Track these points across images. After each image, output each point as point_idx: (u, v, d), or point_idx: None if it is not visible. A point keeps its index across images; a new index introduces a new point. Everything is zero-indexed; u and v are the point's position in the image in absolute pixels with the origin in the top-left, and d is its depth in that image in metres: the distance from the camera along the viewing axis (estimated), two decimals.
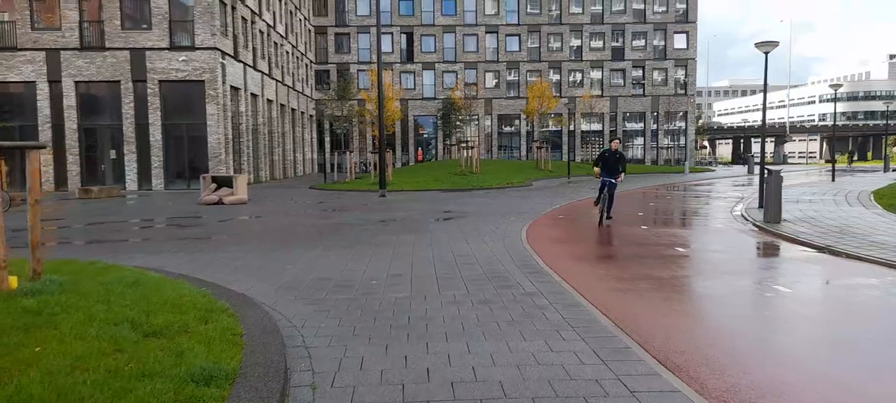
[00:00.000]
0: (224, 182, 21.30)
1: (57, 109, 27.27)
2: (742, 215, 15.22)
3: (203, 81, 27.66)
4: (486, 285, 7.24)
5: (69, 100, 27.20)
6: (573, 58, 56.15)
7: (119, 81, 27.38)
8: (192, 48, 27.59)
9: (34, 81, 27.01)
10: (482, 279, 7.62)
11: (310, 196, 24.37)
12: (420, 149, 55.21)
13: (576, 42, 56.29)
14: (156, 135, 27.68)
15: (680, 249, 10.36)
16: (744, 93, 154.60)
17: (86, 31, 27.35)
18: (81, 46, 27.15)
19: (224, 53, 28.66)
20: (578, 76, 56.17)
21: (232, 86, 30.07)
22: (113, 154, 28.01)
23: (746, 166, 48.89)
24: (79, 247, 11.08)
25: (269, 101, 37.26)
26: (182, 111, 28.64)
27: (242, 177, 21.14)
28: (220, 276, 7.90)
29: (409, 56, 55.39)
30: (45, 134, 27.16)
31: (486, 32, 55.51)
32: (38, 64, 26.90)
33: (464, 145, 34.43)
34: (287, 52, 42.40)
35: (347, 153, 31.76)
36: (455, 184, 27.56)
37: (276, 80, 38.64)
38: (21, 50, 26.82)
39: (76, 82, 27.24)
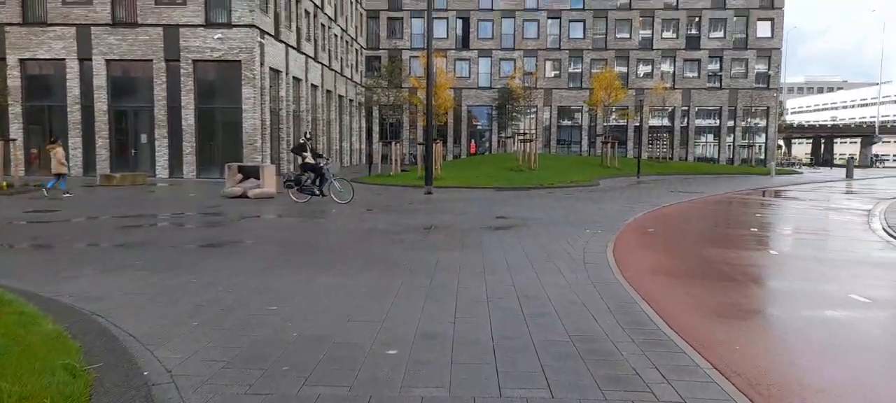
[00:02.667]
0: (252, 173, 18.83)
1: (87, 89, 25.56)
2: None
3: (240, 62, 25.42)
4: (581, 374, 4.17)
5: (99, 79, 25.44)
6: (642, 47, 51.81)
7: (151, 60, 25.44)
8: (229, 25, 25.37)
9: (64, 59, 25.36)
10: (571, 356, 4.54)
11: None
12: (473, 141, 52.19)
13: (646, 31, 51.89)
14: (189, 119, 25.63)
15: (859, 298, 6.99)
16: (820, 91, 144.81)
17: (117, 5, 25.49)
18: (113, 22, 25.31)
19: (263, 32, 26.34)
20: (648, 67, 51.83)
21: (272, 69, 27.78)
22: (144, 138, 26.13)
23: (843, 168, 43.69)
24: (15, 255, 8.59)
25: (314, 87, 34.95)
26: (217, 94, 26.51)
27: (270, 167, 18.62)
28: (159, 324, 5.11)
29: (464, 42, 52.36)
30: (74, 115, 25.51)
31: (549, 18, 51.86)
32: (68, 40, 25.22)
33: (521, 138, 31.18)
34: (335, 36, 40.05)
35: (393, 144, 29.01)
36: (511, 182, 24.44)
37: (322, 65, 36.31)
38: (51, 25, 25.19)
39: (107, 61, 25.45)
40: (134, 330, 4.97)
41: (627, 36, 51.84)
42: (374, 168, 30.54)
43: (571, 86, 51.91)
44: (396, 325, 5.23)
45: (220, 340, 4.79)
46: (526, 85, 48.34)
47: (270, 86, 27.77)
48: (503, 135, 50.62)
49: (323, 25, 36.79)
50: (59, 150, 17.86)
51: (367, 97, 38.57)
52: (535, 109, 50.91)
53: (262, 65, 26.25)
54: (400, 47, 51.34)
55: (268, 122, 27.12)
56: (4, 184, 18.09)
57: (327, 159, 17.36)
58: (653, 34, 51.73)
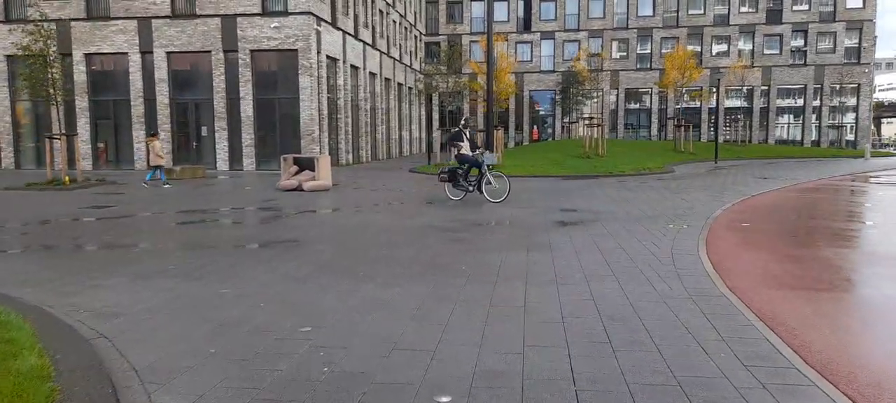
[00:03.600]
0: (306, 164, 18.25)
1: (149, 82, 25.74)
2: None
3: (296, 50, 24.96)
4: None
5: (161, 72, 25.55)
6: (718, 23, 48.62)
7: (210, 52, 25.34)
8: (285, 13, 24.92)
9: (126, 53, 25.60)
10: None
11: (405, 181, 20.88)
12: (535, 127, 50.58)
13: (721, 7, 48.65)
14: (247, 110, 25.43)
15: None
16: None
17: None
18: (173, 14, 25.33)
19: (320, 19, 25.79)
20: (723, 45, 48.62)
21: (329, 57, 27.24)
22: (204, 130, 26.14)
23: None
24: (51, 257, 8.06)
25: (372, 75, 34.32)
26: (274, 84, 26.20)
27: (325, 158, 17.97)
28: (171, 352, 4.27)
29: (526, 25, 50.66)
30: (138, 108, 25.76)
31: None
32: (130, 34, 25.42)
33: (588, 122, 29.53)
34: (394, 22, 39.30)
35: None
36: (577, 169, 23.00)
37: (381, 52, 35.64)
38: (113, 19, 25.45)
39: (168, 53, 25.52)
40: (139, 362, 4.14)
41: (701, 12, 48.75)
42: (433, 157, 29.59)
43: (640, 67, 49.36)
44: (451, 357, 4.19)
45: (237, 376, 3.89)
46: (592, 67, 46.22)
47: (327, 75, 27.25)
48: (567, 120, 48.78)
49: (381, 11, 36.08)
50: (157, 143, 19.05)
51: (426, 84, 37.74)
52: (600, 92, 48.72)
53: (318, 53, 25.72)
54: (459, 32, 50.16)
55: (325, 112, 26.62)
56: (67, 178, 18.19)
57: (482, 150, 14.49)
58: (729, 9, 48.43)
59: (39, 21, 19.71)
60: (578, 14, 49.82)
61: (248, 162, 25.56)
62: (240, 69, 25.28)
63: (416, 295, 5.81)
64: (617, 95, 49.61)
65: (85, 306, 5.57)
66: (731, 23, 48.38)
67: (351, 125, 30.34)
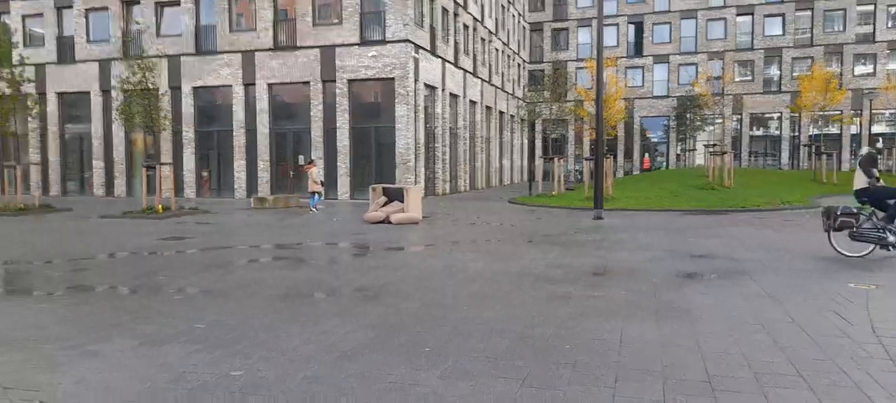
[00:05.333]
0: (396, 195, 16.91)
1: (250, 113, 25.82)
2: None
3: (393, 79, 24.05)
4: None
5: (262, 103, 25.56)
6: (861, 41, 43.12)
7: (309, 82, 25.03)
8: (383, 41, 24.15)
9: (231, 85, 25.86)
10: None
11: (504, 213, 19.01)
12: (647, 155, 47.05)
13: (865, 25, 43.14)
14: (343, 139, 24.77)
15: None
16: None
17: (279, 29, 25.48)
18: (274, 46, 25.32)
19: (418, 47, 24.80)
20: (869, 66, 42.96)
21: (427, 85, 26.16)
22: (301, 160, 25.75)
23: None
24: (62, 305, 6.90)
25: (473, 103, 32.99)
26: (371, 113, 25.43)
27: (415, 189, 16.52)
28: None
29: (637, 49, 47.67)
30: (239, 138, 25.87)
31: (738, 15, 45.34)
32: (235, 67, 25.68)
33: (712, 150, 26.30)
34: (496, 50, 37.98)
35: (556, 160, 25.84)
36: (701, 202, 20.09)
37: (482, 80, 34.31)
38: (220, 53, 25.84)
39: (269, 84, 25.50)
40: None
41: (840, 29, 43.51)
42: (535, 187, 27.57)
43: (767, 90, 44.71)
44: None
45: None
46: (714, 91, 42.30)
47: (425, 104, 26.15)
48: (682, 147, 44.97)
49: (483, 40, 34.86)
50: (314, 170, 19.60)
51: (528, 111, 35.97)
52: (721, 118, 44.52)
53: (416, 81, 24.69)
54: (565, 59, 47.99)
55: (422, 141, 25.45)
56: (161, 207, 18.00)
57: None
58: (874, 23, 42.85)
59: (148, 57, 20.06)
60: (696, 36, 46.15)
61: (343, 191, 24.81)
62: (337, 98, 24.74)
63: (493, 401, 3.92)
64: (740, 120, 45.15)
65: (49, 386, 4.19)
66: (877, 39, 42.71)
67: (449, 154, 29.03)
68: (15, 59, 20.71)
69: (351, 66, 24.46)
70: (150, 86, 19.15)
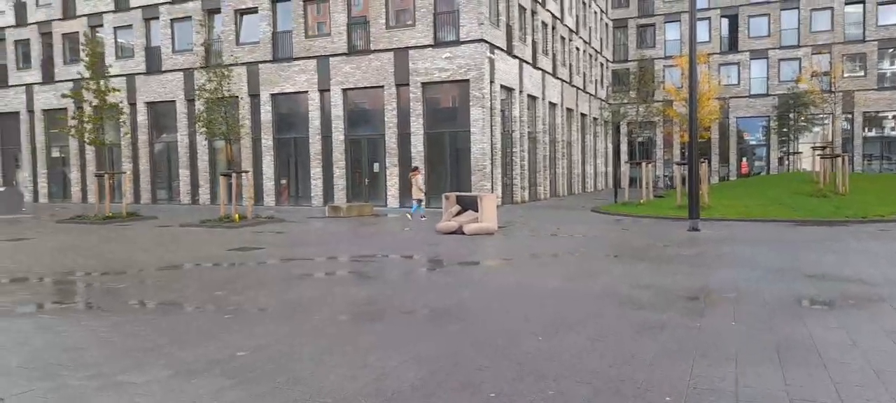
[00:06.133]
0: (470, 203, 16.08)
1: (326, 119, 25.78)
2: None
3: (468, 81, 23.27)
4: None
5: (337, 109, 25.45)
6: None
7: (382, 86, 24.67)
8: (457, 42, 23.42)
9: (306, 91, 25.93)
10: None
11: (586, 222, 17.77)
12: (743, 159, 43.83)
13: None
14: (418, 145, 24.22)
15: None
16: None
17: (353, 33, 25.32)
18: (348, 51, 25.17)
19: (493, 46, 23.91)
20: None
21: (503, 86, 25.21)
22: (376, 167, 25.45)
23: None
24: (109, 324, 6.46)
25: (552, 105, 31.70)
26: (445, 117, 24.75)
27: (490, 197, 15.61)
28: None
29: (731, 44, 44.55)
30: (315, 145, 25.88)
31: (847, 3, 41.42)
32: (310, 73, 25.73)
33: (821, 152, 23.79)
34: (577, 49, 36.45)
35: (643, 165, 24.17)
36: (813, 212, 18.00)
37: (562, 81, 32.94)
38: (296, 59, 25.99)
39: (343, 90, 25.36)
40: None
41: None
42: (621, 194, 25.99)
43: (883, 86, 40.56)
44: None
45: None
46: (822, 88, 38.74)
47: (502, 107, 25.21)
48: (784, 150, 41.54)
49: (562, 38, 33.49)
50: (419, 177, 19.23)
51: (612, 112, 34.22)
52: (830, 117, 40.75)
53: (492, 82, 23.80)
54: (652, 57, 45.59)
55: (499, 145, 24.51)
56: (237, 216, 18.03)
57: None
58: None
59: (223, 65, 20.31)
60: (798, 28, 42.55)
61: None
62: (411, 103, 24.25)
63: None
64: (851, 120, 41.18)
65: None
66: None
67: (527, 159, 27.91)
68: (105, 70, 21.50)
69: (424, 69, 23.90)
70: (226, 95, 19.29)
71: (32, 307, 7.42)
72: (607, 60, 44.97)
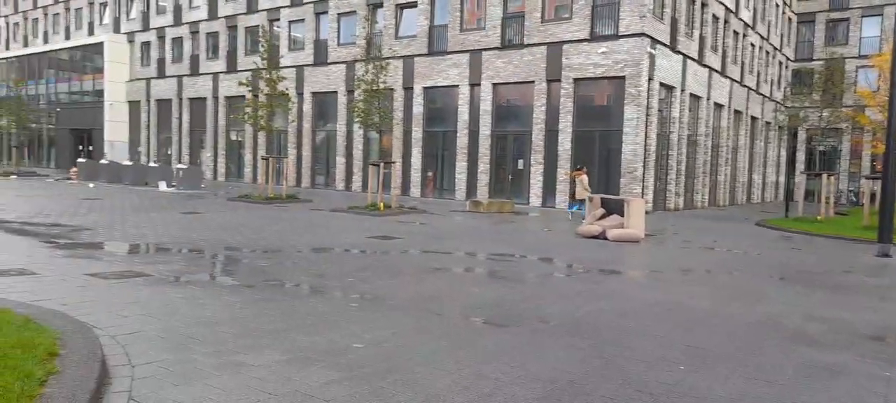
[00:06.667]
0: (615, 207, 15.10)
1: (474, 114, 25.79)
2: None
3: (624, 78, 21.99)
4: None
5: (486, 104, 25.35)
6: None
7: (533, 82, 24.13)
8: (615, 37, 22.23)
9: (457, 85, 26.12)
10: None
11: (750, 237, 15.98)
12: None
13: None
14: (565, 143, 23.39)
15: None
16: None
17: (507, 28, 25.03)
18: (502, 45, 24.94)
19: (655, 41, 22.36)
20: None
21: (662, 84, 23.53)
22: (520, 163, 25.00)
23: None
24: (270, 294, 6.64)
25: (718, 106, 29.11)
26: (596, 115, 23.64)
27: (638, 202, 14.54)
28: None
29: None
30: (462, 139, 26.02)
31: None
32: (462, 67, 25.87)
33: None
34: (752, 45, 33.16)
35: (824, 177, 21.28)
36: None
37: (732, 80, 30.13)
38: (450, 53, 26.27)
39: (493, 84, 25.20)
40: None
41: None
42: (793, 208, 23.16)
43: None
44: None
45: None
46: None
47: (660, 106, 23.54)
48: None
49: (736, 33, 30.60)
50: (585, 177, 19.08)
51: (790, 117, 30.64)
52: None
53: (650, 80, 22.27)
54: (843, 55, 40.24)
55: (653, 147, 22.93)
56: (382, 204, 18.57)
57: None
58: None
59: (382, 58, 21.02)
60: None
61: (561, 199, 23.43)
62: (561, 99, 23.45)
63: None
64: None
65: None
66: None
67: (685, 163, 25.87)
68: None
69: (578, 64, 22.97)
70: (381, 87, 19.91)
71: (187, 278, 7.99)
72: (788, 58, 40.50)
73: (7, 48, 51.29)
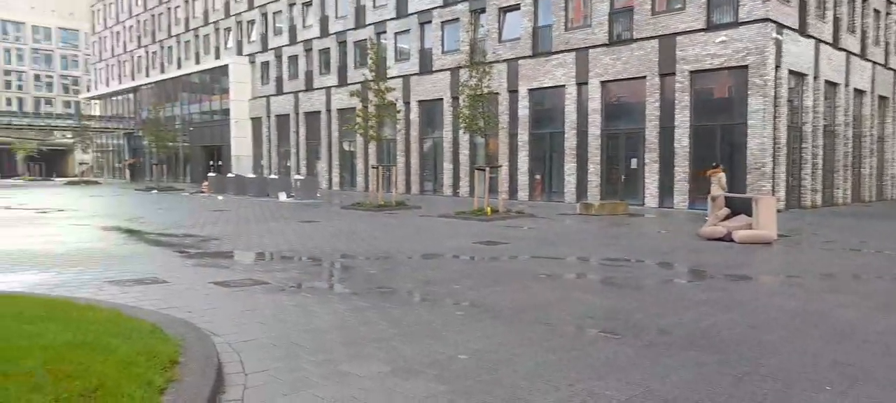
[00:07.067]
0: (742, 206, 13.94)
1: (582, 114, 25.00)
2: None
3: (746, 67, 20.40)
4: None
5: (594, 102, 24.51)
6: None
7: (644, 77, 22.99)
8: (735, 24, 20.68)
9: (563, 85, 25.46)
10: None
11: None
12: None
13: None
14: (682, 139, 22.07)
15: None
16: None
17: (615, 23, 24.08)
18: (609, 41, 24.01)
19: (781, 26, 20.57)
20: None
21: (792, 72, 21.59)
22: (633, 163, 23.89)
23: None
24: (378, 301, 6.65)
25: (859, 92, 26.30)
26: (716, 108, 22.12)
27: (768, 200, 13.33)
28: None
29: None
30: (570, 140, 25.31)
31: None
32: (569, 66, 25.19)
33: None
34: None
35: None
36: None
37: (874, 63, 27.13)
38: (555, 53, 25.68)
39: (602, 82, 24.30)
40: None
41: None
42: None
43: None
44: None
45: None
46: None
47: (789, 95, 21.60)
48: None
49: (876, 11, 27.53)
50: (722, 176, 17.10)
51: None
52: None
53: (777, 67, 20.50)
54: None
55: (783, 140, 21.06)
56: (489, 209, 18.42)
57: None
58: None
59: (485, 63, 20.94)
60: None
61: (680, 199, 22.10)
62: (676, 94, 22.14)
63: None
64: None
65: None
66: None
67: (821, 157, 23.55)
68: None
69: (694, 56, 21.59)
70: (485, 92, 19.78)
71: (300, 285, 8.23)
72: None
73: (147, 75, 56.70)
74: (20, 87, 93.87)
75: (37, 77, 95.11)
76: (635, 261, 10.42)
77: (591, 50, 24.43)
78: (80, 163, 69.98)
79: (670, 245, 12.70)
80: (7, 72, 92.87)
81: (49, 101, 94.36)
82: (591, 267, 10.22)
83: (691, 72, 21.79)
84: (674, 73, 22.17)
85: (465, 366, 4.80)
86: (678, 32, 22.01)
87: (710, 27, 21.37)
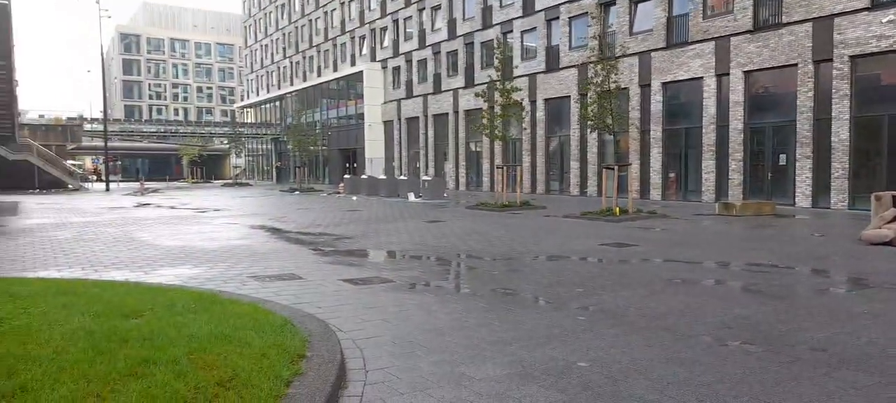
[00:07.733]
0: None
1: (722, 107, 23.28)
2: None
3: None
4: None
5: (736, 94, 22.72)
6: None
7: (795, 65, 20.95)
8: None
9: (701, 77, 23.86)
10: None
11: None
12: None
13: None
14: (841, 132, 19.83)
15: None
16: None
17: (761, 7, 22.17)
18: (754, 28, 22.15)
19: None
20: None
21: None
22: (782, 159, 21.84)
23: None
24: (503, 300, 6.58)
25: None
26: (883, 97, 19.62)
27: None
28: None
29: None
30: (709, 136, 23.68)
31: None
32: (707, 57, 23.57)
33: None
34: None
35: None
36: None
37: None
38: (691, 44, 24.14)
39: (745, 73, 22.47)
40: None
41: None
42: None
43: None
44: None
45: None
46: None
47: None
48: None
49: None
50: None
51: None
52: None
53: None
54: None
55: None
56: (617, 209, 17.73)
57: None
58: None
59: (613, 58, 20.17)
60: None
61: (838, 198, 19.86)
62: (834, 82, 19.93)
63: None
64: None
65: None
66: None
67: None
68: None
69: (854, 39, 19.31)
70: (612, 87, 19.05)
71: (423, 284, 8.39)
72: None
73: (292, 84, 61.02)
74: (185, 99, 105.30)
75: (199, 89, 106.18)
76: (784, 268, 9.49)
77: (732, 38, 22.69)
78: (234, 167, 76.92)
79: (826, 249, 11.43)
80: (175, 85, 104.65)
81: (209, 111, 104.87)
82: (731, 272, 9.46)
83: (852, 56, 19.52)
84: (830, 59, 20.00)
85: (584, 374, 4.61)
86: (836, 14, 19.82)
87: (875, 5, 19.01)
